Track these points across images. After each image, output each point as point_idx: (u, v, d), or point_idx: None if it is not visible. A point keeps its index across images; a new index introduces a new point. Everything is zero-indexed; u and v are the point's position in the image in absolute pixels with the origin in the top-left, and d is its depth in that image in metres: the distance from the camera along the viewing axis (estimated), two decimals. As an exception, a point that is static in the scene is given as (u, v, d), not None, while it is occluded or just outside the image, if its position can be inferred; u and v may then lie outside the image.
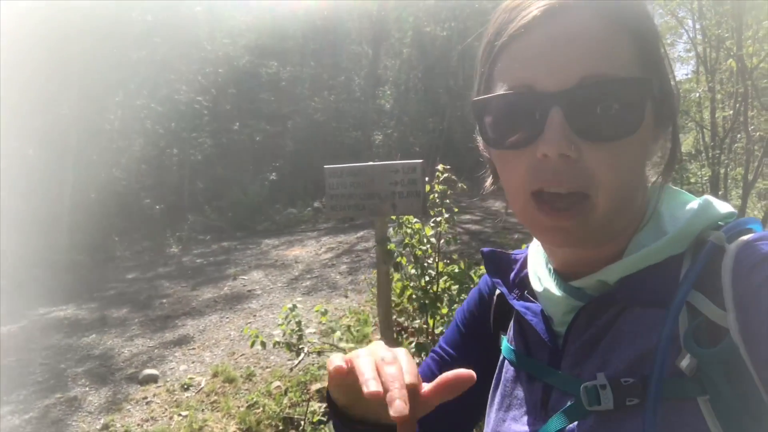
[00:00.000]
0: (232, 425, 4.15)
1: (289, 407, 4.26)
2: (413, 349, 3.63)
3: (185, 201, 14.07)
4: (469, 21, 19.93)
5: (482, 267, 4.36)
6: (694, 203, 0.62)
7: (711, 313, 0.53)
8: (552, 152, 0.54)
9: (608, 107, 0.54)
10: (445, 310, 3.63)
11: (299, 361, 5.02)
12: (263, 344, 4.04)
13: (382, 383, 0.49)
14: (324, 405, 4.25)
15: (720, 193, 7.65)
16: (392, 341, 3.47)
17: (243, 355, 5.43)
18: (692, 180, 8.74)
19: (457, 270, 3.61)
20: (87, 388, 4.99)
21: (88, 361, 5.59)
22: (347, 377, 0.54)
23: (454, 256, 4.11)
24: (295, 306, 4.15)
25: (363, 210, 3.26)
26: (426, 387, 0.54)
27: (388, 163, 3.22)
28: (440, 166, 3.50)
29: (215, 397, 4.61)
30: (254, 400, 4.44)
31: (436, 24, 19.69)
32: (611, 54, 0.55)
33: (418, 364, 0.82)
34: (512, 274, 0.78)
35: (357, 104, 18.98)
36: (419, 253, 3.62)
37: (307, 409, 4.15)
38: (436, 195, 3.52)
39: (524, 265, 0.77)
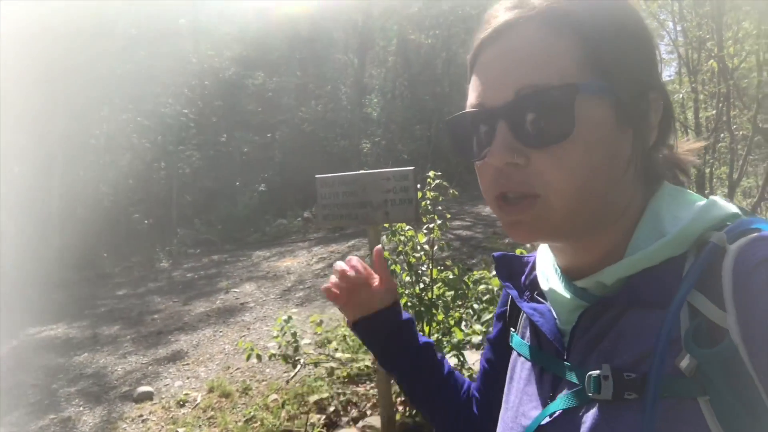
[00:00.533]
0: (230, 440, 4.12)
1: (288, 420, 4.23)
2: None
3: (174, 215, 13.99)
4: (453, 28, 20.10)
5: (475, 273, 4.37)
6: (699, 204, 0.62)
7: (711, 314, 0.54)
8: (498, 162, 0.60)
9: (541, 114, 0.58)
10: (441, 317, 3.63)
11: (295, 373, 4.99)
12: (259, 357, 4.02)
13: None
14: (322, 416, 4.23)
15: (706, 191, 7.74)
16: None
17: (238, 368, 5.39)
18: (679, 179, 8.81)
19: (451, 276, 3.62)
20: (81, 408, 4.92)
21: (81, 380, 5.52)
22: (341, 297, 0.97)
23: (448, 263, 4.11)
24: (290, 317, 4.14)
25: (355, 219, 3.26)
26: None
27: (380, 171, 3.23)
28: (431, 173, 3.52)
29: (212, 413, 4.57)
30: (251, 414, 4.40)
31: (421, 32, 19.82)
32: (545, 64, 0.58)
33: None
34: (523, 277, 0.81)
35: (344, 113, 19.03)
36: (413, 260, 3.63)
37: (307, 421, 4.13)
38: (428, 202, 3.53)
39: (535, 266, 0.79)
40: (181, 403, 4.80)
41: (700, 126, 8.79)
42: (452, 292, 3.71)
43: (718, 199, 0.62)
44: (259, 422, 4.25)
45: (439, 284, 3.76)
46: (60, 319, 7.62)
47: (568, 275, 0.68)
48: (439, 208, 3.59)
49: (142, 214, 13.64)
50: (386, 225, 3.56)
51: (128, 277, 10.52)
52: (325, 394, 4.53)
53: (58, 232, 11.21)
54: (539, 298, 0.76)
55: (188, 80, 15.07)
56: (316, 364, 4.62)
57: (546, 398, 0.67)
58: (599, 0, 0.61)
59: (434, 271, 3.69)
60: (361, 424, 4.05)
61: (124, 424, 4.56)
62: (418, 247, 3.65)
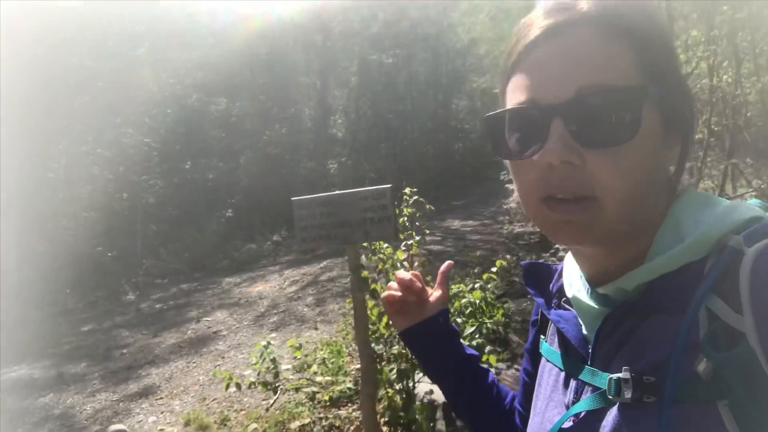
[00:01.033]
0: (211, 475, 3.97)
1: (270, 449, 4.11)
2: (394, 376, 3.58)
3: (139, 245, 13.65)
4: (413, 47, 20.45)
5: (453, 287, 4.38)
6: (720, 208, 0.62)
7: (728, 318, 0.54)
8: (554, 160, 0.58)
9: (605, 115, 0.57)
10: (423, 333, 3.60)
11: (275, 400, 4.87)
12: (238, 386, 3.90)
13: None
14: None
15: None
16: (373, 370, 3.40)
17: (215, 399, 5.23)
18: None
19: (432, 291, 3.60)
20: (49, 452, 4.68)
21: (48, 423, 5.26)
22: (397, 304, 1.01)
23: (428, 278, 4.10)
24: (269, 343, 4.04)
25: (335, 239, 3.21)
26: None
27: (357, 191, 3.20)
28: (407, 189, 3.52)
29: (190, 447, 4.41)
30: (232, 445, 4.26)
31: (381, 51, 20.08)
32: (607, 64, 0.58)
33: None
34: (552, 285, 0.82)
35: (309, 135, 19.04)
36: (393, 278, 3.60)
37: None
38: (406, 218, 3.52)
39: (562, 274, 0.80)
40: (157, 439, 4.62)
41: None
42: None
43: (739, 203, 0.63)
44: (240, 454, 4.12)
45: (419, 300, 3.73)
46: (21, 359, 7.28)
47: (592, 282, 0.69)
48: (417, 224, 3.58)
49: (105, 246, 13.23)
50: (365, 244, 3.53)
51: (93, 312, 10.16)
52: (307, 420, 4.43)
53: (17, 271, 10.78)
54: (566, 306, 0.76)
55: (149, 109, 14.84)
56: (296, 390, 4.51)
57: (570, 404, 0.67)
58: (642, 2, 0.62)
59: (414, 288, 3.66)
60: (346, 448, 3.96)
61: (97, 466, 4.35)
62: (398, 264, 3.62)
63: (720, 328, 0.54)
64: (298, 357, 5.06)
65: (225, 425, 4.68)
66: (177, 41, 16.10)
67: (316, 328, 6.84)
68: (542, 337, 0.83)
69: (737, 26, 6.61)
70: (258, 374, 4.13)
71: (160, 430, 4.76)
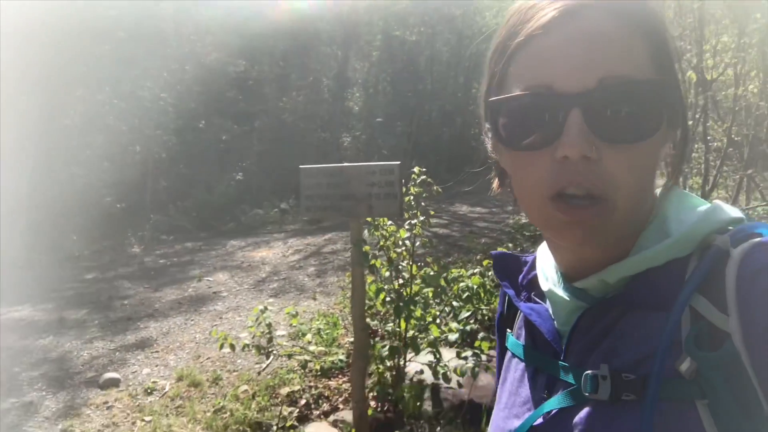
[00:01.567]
0: (198, 430, 4.05)
1: (258, 412, 4.18)
2: (386, 353, 3.62)
3: (148, 200, 13.72)
4: (438, 26, 20.15)
5: (453, 271, 4.39)
6: (702, 207, 0.62)
7: (713, 317, 0.53)
8: (573, 154, 0.54)
9: (627, 109, 0.54)
10: (419, 313, 3.63)
11: (268, 365, 4.95)
12: (232, 347, 3.96)
13: None
14: (294, 409, 4.19)
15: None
16: (365, 344, 3.44)
17: (209, 358, 5.32)
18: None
19: (432, 273, 3.62)
20: (44, 393, 4.79)
21: (45, 364, 5.37)
22: None
23: (428, 259, 4.12)
24: (266, 308, 4.09)
25: (339, 211, 3.23)
26: None
27: (365, 165, 3.20)
28: (416, 169, 3.51)
29: (180, 402, 4.49)
30: (221, 404, 4.34)
31: (406, 28, 19.82)
32: (629, 55, 0.55)
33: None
34: (521, 276, 0.79)
35: (325, 105, 18.91)
36: (394, 255, 3.62)
37: (280, 413, 4.09)
38: (412, 197, 3.52)
39: (533, 266, 0.78)
40: (149, 391, 4.71)
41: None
42: (431, 289, 3.72)
43: (722, 204, 0.62)
44: (228, 413, 4.20)
45: (418, 281, 3.76)
46: (25, 300, 7.41)
47: (568, 276, 0.67)
48: (423, 204, 3.58)
49: (115, 197, 13.30)
50: (369, 219, 3.54)
51: (98, 261, 10.28)
52: (297, 387, 4.51)
53: (27, 213, 10.90)
54: (537, 299, 0.74)
55: (168, 64, 14.75)
56: (289, 356, 4.58)
57: (539, 399, 0.66)
58: None
59: (414, 268, 3.69)
60: (332, 417, 4.04)
61: (88, 410, 4.46)
62: (400, 243, 3.64)
63: (704, 327, 0.53)
64: (294, 325, 5.13)
65: (216, 384, 4.76)
66: (200, -1, 15.95)
67: (315, 299, 6.91)
68: (509, 330, 0.80)
69: (770, 36, 6.46)
70: (253, 338, 4.18)
71: (153, 382, 4.85)
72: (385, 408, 3.87)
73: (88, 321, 6.61)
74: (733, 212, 0.61)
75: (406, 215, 3.57)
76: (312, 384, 4.56)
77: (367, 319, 3.54)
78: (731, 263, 0.54)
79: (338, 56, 19.81)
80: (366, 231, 3.58)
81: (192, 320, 6.43)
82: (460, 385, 3.58)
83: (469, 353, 3.47)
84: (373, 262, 3.43)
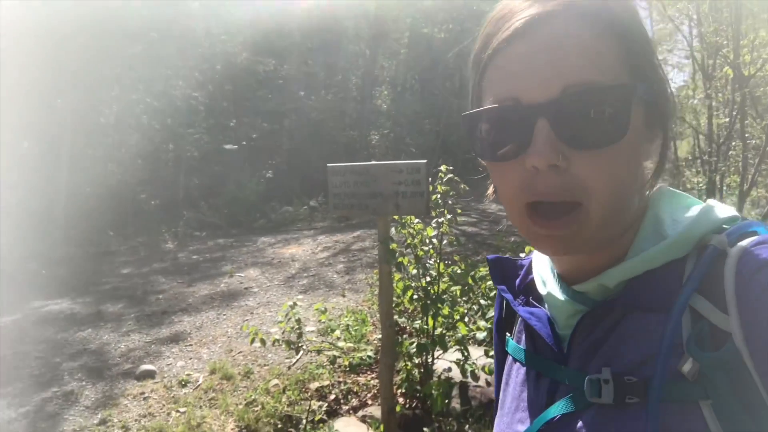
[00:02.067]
0: (231, 422, 4.16)
1: (288, 405, 4.27)
2: (414, 350, 3.65)
3: (180, 197, 14.02)
4: (467, 23, 19.95)
5: (481, 269, 4.39)
6: (696, 207, 0.62)
7: (714, 317, 0.53)
8: (540, 164, 0.55)
9: (593, 115, 0.54)
10: (446, 311, 3.65)
11: (297, 359, 5.03)
12: (263, 341, 4.05)
13: None
14: (323, 404, 4.27)
15: (716, 199, 7.67)
16: (393, 341, 3.48)
17: (241, 352, 5.43)
18: (688, 186, 8.82)
19: (459, 271, 3.63)
20: (83, 383, 4.97)
21: (84, 356, 5.57)
22: None
23: (456, 257, 4.13)
24: (295, 303, 4.16)
25: (366, 209, 3.27)
26: None
27: (392, 163, 3.23)
28: (443, 167, 3.53)
29: (213, 394, 4.61)
30: (252, 397, 4.44)
31: (434, 25, 19.72)
32: (594, 60, 0.55)
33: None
34: (518, 280, 0.79)
35: (354, 104, 19.00)
36: (421, 253, 3.64)
37: (309, 407, 4.16)
38: (439, 196, 3.54)
39: (530, 270, 0.78)
40: (183, 383, 4.85)
41: (713, 133, 8.75)
42: (459, 287, 3.73)
43: (716, 203, 0.62)
44: (260, 406, 4.30)
45: (446, 279, 3.77)
46: (65, 294, 7.68)
47: (566, 279, 0.68)
48: (450, 202, 3.59)
49: (149, 194, 13.66)
50: (396, 217, 3.58)
51: (133, 256, 10.57)
52: (326, 382, 4.57)
53: (65, 209, 11.25)
54: (535, 302, 0.74)
55: (199, 63, 15.04)
56: (318, 352, 4.65)
57: (542, 404, 0.65)
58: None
59: (441, 266, 3.71)
60: (361, 413, 4.09)
61: (125, 400, 4.61)
62: (427, 241, 3.66)
63: (705, 327, 0.54)
64: (323, 321, 5.20)
65: (248, 377, 4.87)
66: (230, -2, 16.18)
67: (344, 295, 6.98)
68: (508, 335, 0.80)
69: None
70: (283, 333, 4.26)
71: (187, 375, 4.99)
72: (414, 405, 3.90)
73: (124, 314, 6.81)
74: (728, 211, 0.61)
75: (433, 213, 3.59)
76: (341, 379, 4.62)
77: (395, 316, 3.58)
78: (729, 262, 0.54)
79: (366, 54, 19.85)
80: (393, 229, 3.62)
81: (224, 315, 6.57)
82: (488, 384, 3.59)
83: (496, 351, 3.46)
84: (400, 259, 3.46)
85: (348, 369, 4.74)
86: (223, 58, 15.81)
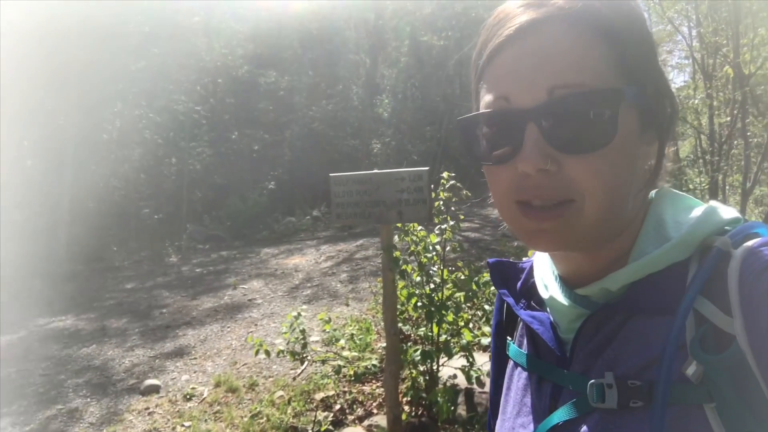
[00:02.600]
0: (236, 435, 4.13)
1: (293, 417, 4.23)
2: (419, 357, 3.62)
3: (183, 210, 14.07)
4: (466, 30, 20.04)
5: (485, 274, 4.36)
6: (698, 209, 0.61)
7: (718, 320, 0.53)
8: (529, 168, 0.55)
9: (579, 118, 0.55)
10: (450, 318, 3.62)
11: (302, 370, 5.00)
12: (267, 353, 4.02)
13: None
14: (329, 414, 4.23)
15: (719, 199, 7.67)
16: (397, 349, 3.45)
17: (245, 364, 5.41)
18: (690, 186, 8.79)
19: (463, 277, 3.61)
20: (88, 399, 4.95)
21: (89, 372, 5.55)
22: None
23: (459, 264, 4.11)
24: (299, 314, 4.14)
25: (369, 217, 3.25)
26: None
27: (394, 171, 3.22)
28: (445, 174, 3.51)
29: (218, 407, 4.58)
30: (258, 409, 4.41)
31: (433, 33, 19.80)
32: (582, 65, 0.55)
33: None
34: (519, 284, 0.78)
35: (355, 113, 19.06)
36: (425, 260, 3.62)
37: (315, 418, 4.13)
38: (441, 203, 3.53)
39: (531, 273, 0.77)
40: (188, 397, 4.82)
41: (714, 132, 8.73)
42: (462, 293, 3.71)
43: (718, 204, 0.62)
44: (265, 418, 4.26)
45: (450, 285, 3.75)
46: (68, 310, 7.67)
47: (568, 283, 0.67)
48: (452, 209, 3.58)
49: (152, 208, 13.71)
50: (399, 225, 3.56)
51: (137, 270, 10.57)
52: (332, 392, 4.54)
53: (68, 225, 11.30)
54: (536, 306, 0.74)
55: (201, 78, 15.17)
56: (323, 362, 4.62)
57: (545, 409, 0.65)
58: (619, 1, 0.59)
59: (445, 272, 3.68)
60: (367, 422, 4.05)
61: (130, 416, 4.58)
62: (430, 248, 3.64)
63: (709, 330, 0.53)
64: (327, 330, 5.17)
65: (253, 389, 4.84)
66: (231, 12, 16.32)
67: (347, 305, 6.95)
68: (509, 338, 0.79)
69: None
70: (287, 343, 4.24)
71: (192, 388, 4.96)
72: (419, 412, 3.86)
73: (128, 329, 6.80)
74: (730, 213, 0.60)
75: (436, 220, 3.57)
76: (346, 389, 4.59)
77: (399, 324, 3.55)
78: (733, 264, 0.53)
79: (366, 63, 19.94)
80: (396, 236, 3.60)
81: (228, 327, 6.55)
82: (494, 390, 3.55)
83: (502, 357, 3.43)
84: (403, 267, 3.44)
85: (353, 378, 4.71)
86: (225, 71, 15.93)
